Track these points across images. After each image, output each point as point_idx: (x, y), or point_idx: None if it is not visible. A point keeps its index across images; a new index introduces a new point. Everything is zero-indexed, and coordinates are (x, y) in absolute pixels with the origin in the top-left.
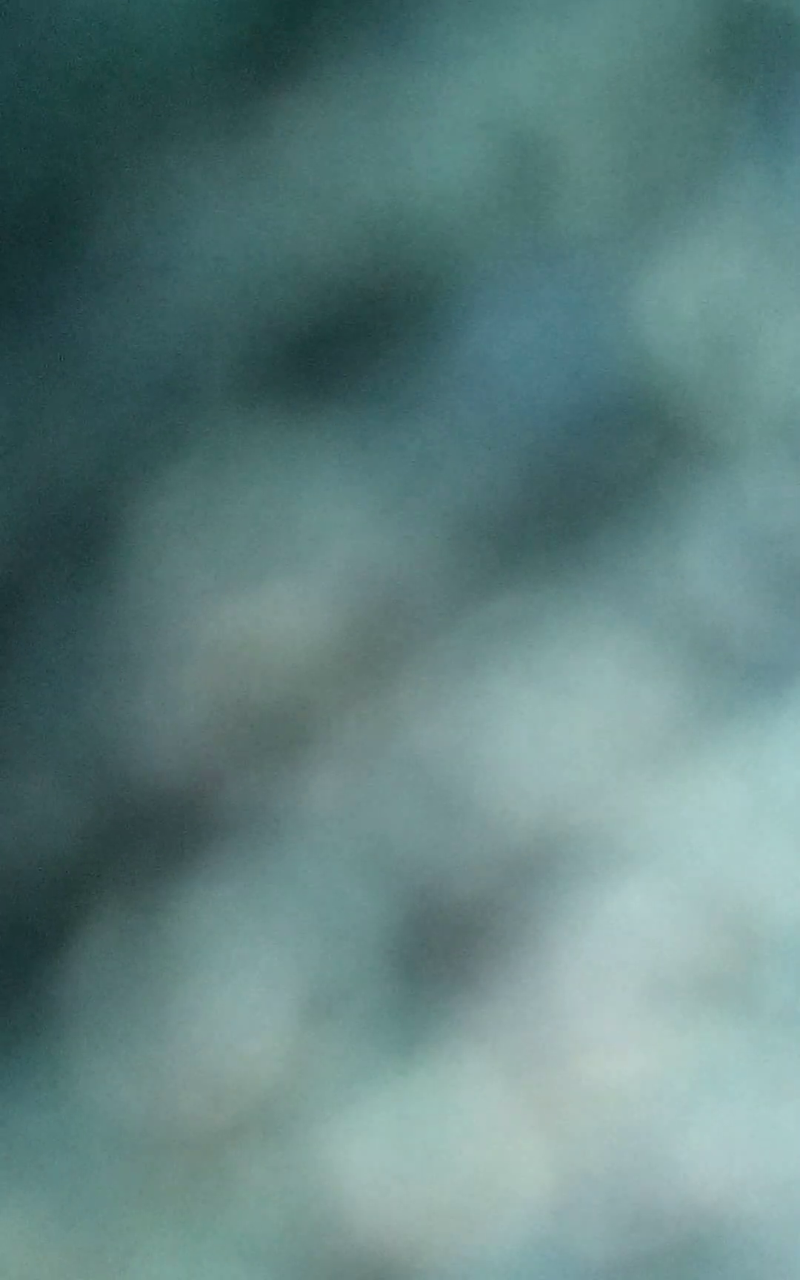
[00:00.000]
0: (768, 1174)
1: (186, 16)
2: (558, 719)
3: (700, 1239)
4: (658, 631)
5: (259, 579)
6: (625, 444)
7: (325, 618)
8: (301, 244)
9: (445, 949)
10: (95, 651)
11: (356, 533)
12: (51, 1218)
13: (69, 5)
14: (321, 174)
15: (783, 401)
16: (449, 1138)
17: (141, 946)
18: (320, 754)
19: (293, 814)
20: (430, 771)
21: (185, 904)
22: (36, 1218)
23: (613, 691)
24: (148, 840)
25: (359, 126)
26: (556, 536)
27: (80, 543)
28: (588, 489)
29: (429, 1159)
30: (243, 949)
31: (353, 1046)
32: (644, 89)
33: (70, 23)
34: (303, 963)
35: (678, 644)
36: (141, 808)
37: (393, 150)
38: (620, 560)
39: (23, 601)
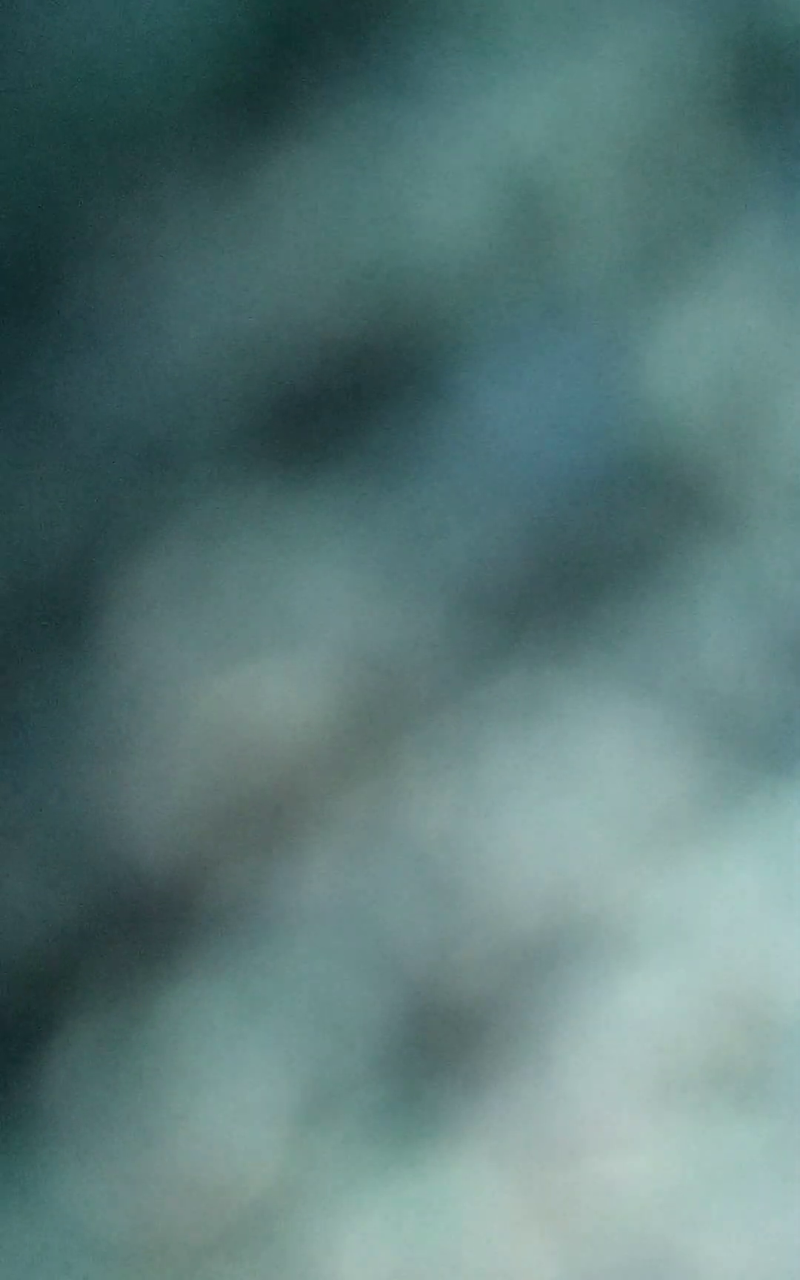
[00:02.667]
0: (781, 1272)
1: (173, 60)
2: (564, 802)
3: None
4: (669, 708)
5: (250, 655)
6: (634, 510)
7: (319, 696)
8: (294, 300)
9: (447, 1045)
10: (78, 731)
11: (352, 606)
12: None
13: (51, 50)
14: (315, 226)
15: (798, 464)
16: (452, 1242)
17: (126, 1047)
18: (315, 841)
19: (286, 905)
20: (430, 859)
21: (172, 1001)
22: None
23: (622, 772)
24: (133, 933)
25: (355, 175)
26: (562, 609)
27: (61, 617)
28: (595, 558)
29: (432, 1265)
30: (234, 1049)
31: (350, 1149)
32: (656, 136)
33: (52, 68)
34: (297, 1062)
35: (690, 721)
36: (126, 898)
37: (390, 200)
38: (629, 634)
39: (1, 678)
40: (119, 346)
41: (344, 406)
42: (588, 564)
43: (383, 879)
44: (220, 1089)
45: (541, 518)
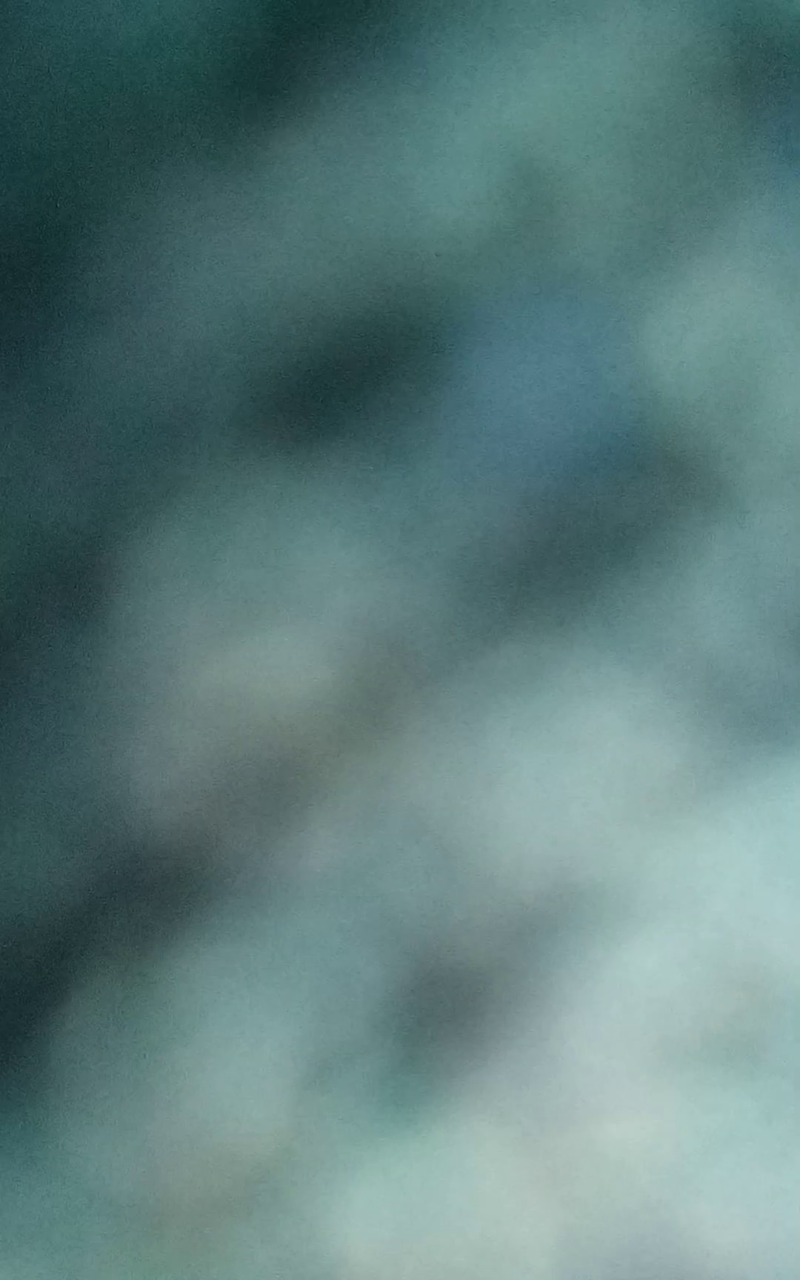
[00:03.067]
0: (778, 1238)
1: (180, 43)
2: (564, 772)
3: None
4: (667, 681)
5: (256, 628)
6: (633, 486)
7: (324, 668)
8: (300, 279)
9: (449, 1011)
10: (87, 703)
11: (357, 580)
12: None
13: (59, 34)
14: (320, 206)
15: (796, 442)
16: (453, 1205)
17: (135, 1011)
18: (319, 810)
19: (291, 872)
20: (433, 828)
21: (179, 967)
22: None
23: (621, 743)
24: (141, 900)
25: (359, 156)
26: (563, 583)
27: (72, 591)
28: (595, 533)
29: (433, 1227)
30: (240, 1013)
31: (354, 1113)
32: (655, 117)
33: (60, 51)
34: (302, 1027)
35: (688, 694)
36: (135, 866)
37: (394, 180)
38: (628, 608)
39: (12, 651)
40: (127, 324)
41: (349, 383)
42: (588, 538)
43: (386, 847)
44: (226, 1053)
45: (542, 493)
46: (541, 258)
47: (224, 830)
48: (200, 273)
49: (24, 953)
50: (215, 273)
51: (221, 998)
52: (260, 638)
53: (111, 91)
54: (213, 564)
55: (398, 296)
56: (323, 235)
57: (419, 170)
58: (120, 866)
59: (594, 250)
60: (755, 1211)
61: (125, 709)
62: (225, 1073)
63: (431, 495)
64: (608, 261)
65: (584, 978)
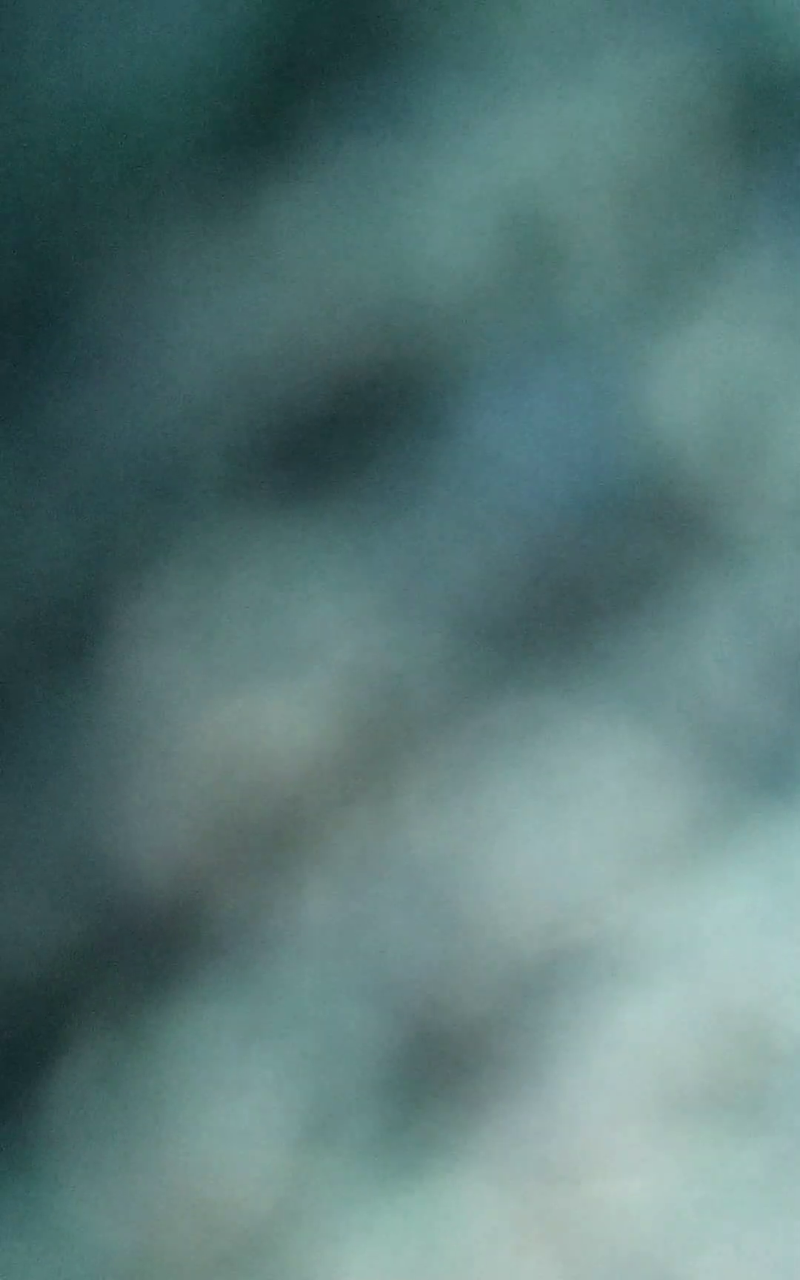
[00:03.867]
0: None
1: (176, 95)
2: (564, 826)
3: None
4: (668, 734)
5: (252, 682)
6: (634, 538)
7: (321, 722)
8: (296, 330)
9: (447, 1068)
10: (81, 758)
11: (354, 633)
12: None
13: (54, 85)
14: (316, 257)
15: (797, 492)
16: (452, 1264)
17: (129, 1068)
18: (316, 865)
19: (287, 928)
20: (431, 883)
21: (174, 1024)
22: None
23: (621, 797)
24: (135, 956)
25: (356, 207)
26: (563, 635)
27: (64, 644)
28: (595, 585)
29: None
30: (235, 1071)
31: (351, 1171)
32: (656, 168)
33: (55, 100)
34: (298, 1084)
35: (689, 746)
36: (129, 922)
37: (391, 232)
38: (629, 660)
39: (5, 705)
40: (123, 379)
41: (346, 436)
42: (587, 591)
43: (383, 903)
44: (222, 1110)
45: (541, 545)
46: (541, 309)
47: (219, 886)
48: (196, 325)
49: (17, 1009)
50: (211, 325)
51: (217, 1055)
52: (256, 691)
53: (108, 143)
54: (208, 617)
55: (395, 348)
56: (319, 287)
57: (417, 222)
58: (114, 923)
59: (594, 301)
60: (758, 1268)
61: (119, 763)
62: (221, 1130)
63: (430, 548)
64: (608, 312)
65: (584, 1033)
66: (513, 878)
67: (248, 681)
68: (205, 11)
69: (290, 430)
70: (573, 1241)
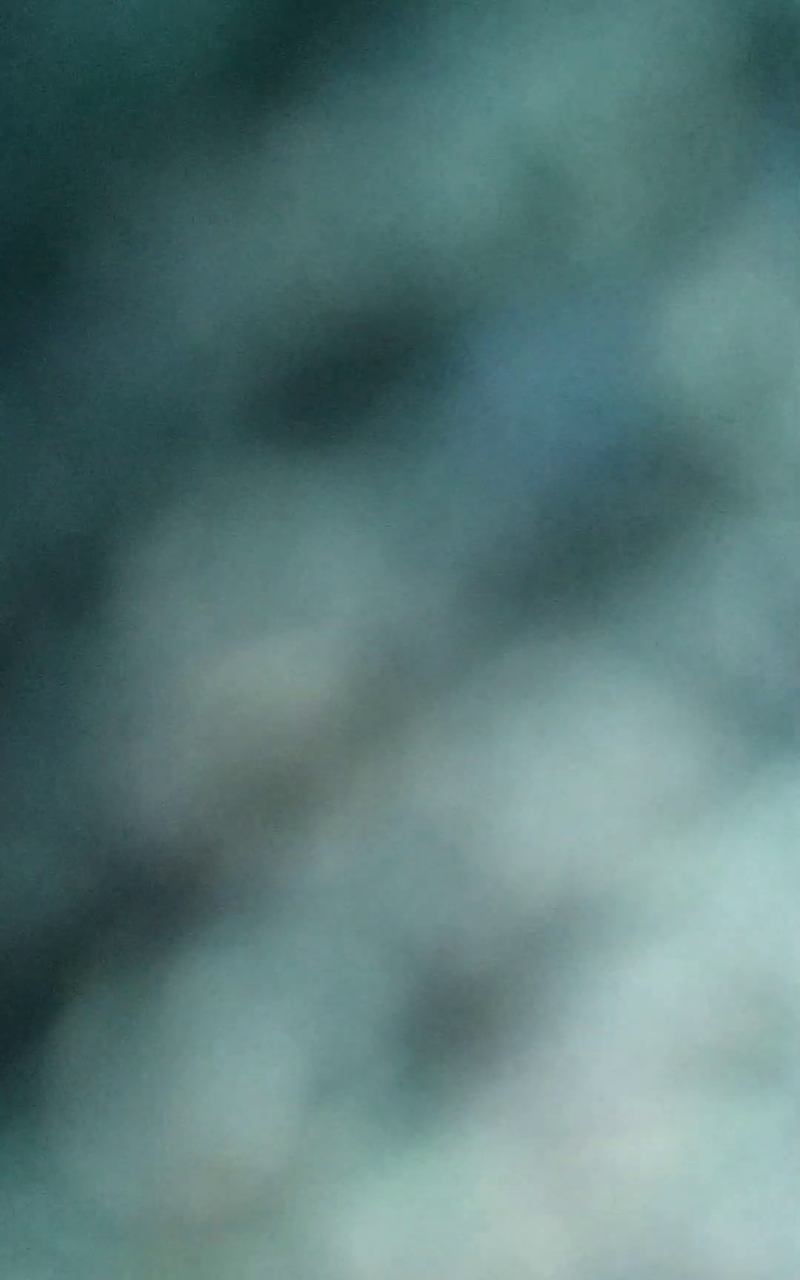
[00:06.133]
0: (795, 1255)
1: (182, 34)
2: (575, 780)
3: None
4: (680, 687)
5: (260, 632)
6: (647, 488)
7: (329, 673)
8: (304, 275)
9: (457, 1025)
10: (88, 709)
11: (363, 583)
12: None
13: (59, 26)
14: (325, 200)
15: None
16: (461, 1223)
17: (136, 1024)
18: (324, 819)
19: (295, 883)
20: (440, 837)
21: (182, 978)
22: None
23: (632, 751)
24: (142, 910)
25: (365, 149)
26: (574, 587)
27: (71, 593)
28: (606, 535)
29: (440, 1246)
30: (243, 1026)
31: (360, 1128)
32: (669, 110)
33: (59, 43)
34: (307, 1041)
35: (701, 700)
36: (136, 876)
37: (401, 174)
38: (641, 612)
39: (11, 655)
40: (129, 321)
41: (355, 382)
42: (599, 540)
43: (392, 856)
44: (230, 1067)
45: (553, 494)
46: (553, 253)
47: (227, 840)
48: (203, 268)
49: (23, 964)
50: (218, 268)
51: (225, 1011)
52: (264, 642)
53: (113, 84)
54: (215, 567)
55: (406, 293)
56: (329, 230)
57: (428, 163)
58: (121, 876)
59: (607, 245)
60: (771, 1228)
61: (126, 715)
62: (229, 1087)
63: (440, 497)
64: (621, 257)
65: (595, 991)
66: (523, 832)
67: (255, 632)
68: None
69: (298, 376)
70: (582, 1200)
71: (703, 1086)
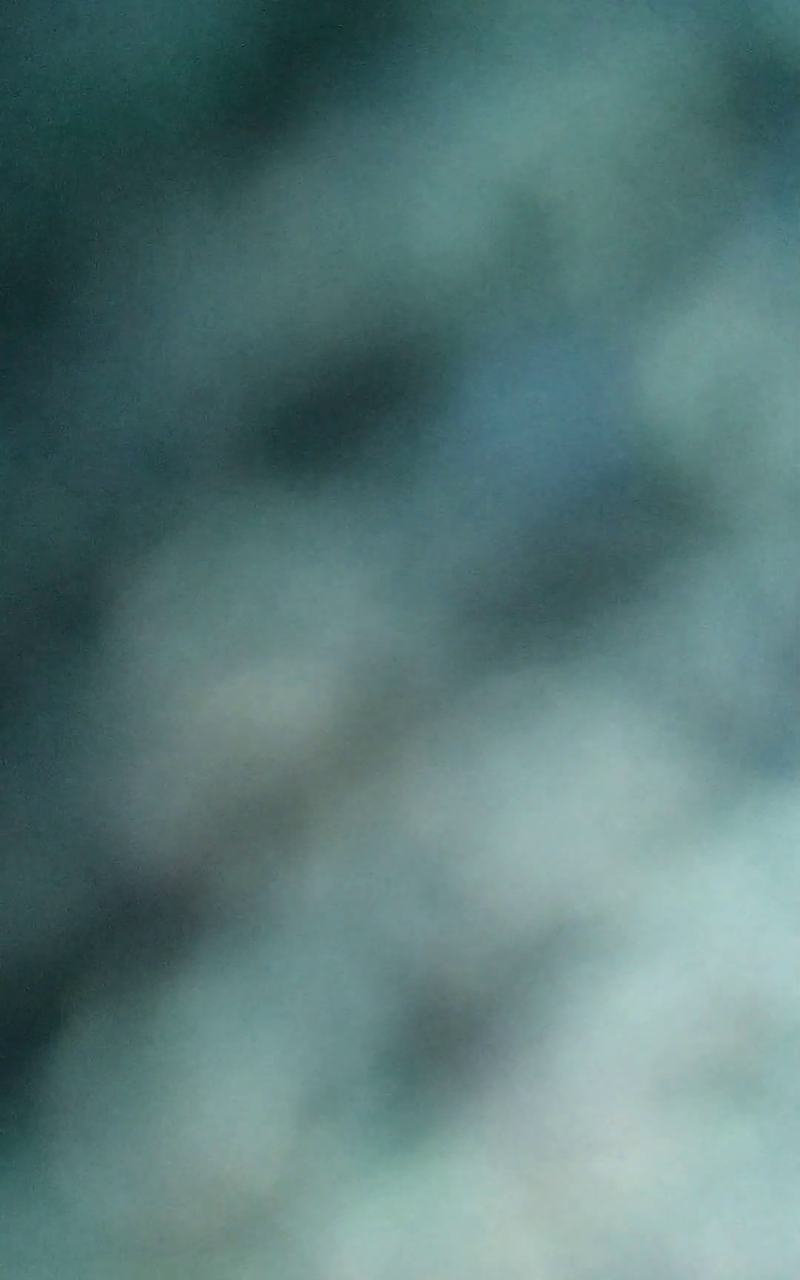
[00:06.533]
0: (777, 1272)
1: (176, 75)
2: (562, 803)
3: None
4: (666, 712)
5: (253, 659)
6: (631, 518)
7: (322, 698)
8: (296, 311)
9: (446, 1044)
10: (84, 734)
11: (354, 610)
12: None
13: (56, 65)
14: (315, 237)
15: (795, 474)
16: (451, 1239)
17: (131, 1043)
18: (317, 842)
19: (288, 904)
20: (430, 859)
21: (177, 999)
22: None
23: (619, 774)
24: (138, 932)
25: (354, 188)
26: (561, 614)
27: (68, 622)
28: (593, 564)
29: (430, 1261)
30: (236, 1046)
31: (351, 1146)
32: (651, 149)
33: (58, 83)
34: (299, 1060)
35: (686, 725)
36: (131, 898)
37: (389, 213)
38: (627, 638)
39: (9, 682)
40: (124, 357)
41: (346, 416)
42: (585, 570)
43: (384, 879)
44: (223, 1086)
45: (539, 525)
46: (538, 290)
47: (221, 863)
48: (197, 304)
49: (19, 985)
50: (212, 304)
51: (218, 1031)
52: (257, 669)
53: (109, 123)
54: (209, 595)
55: (395, 329)
56: (319, 267)
57: (415, 202)
58: (116, 899)
59: (591, 282)
60: (754, 1245)
61: (121, 740)
62: (222, 1106)
63: (429, 526)
64: (605, 293)
65: (582, 1010)
66: (511, 855)
67: (249, 659)
68: None
69: (289, 410)
70: (569, 1217)
71: (687, 1104)
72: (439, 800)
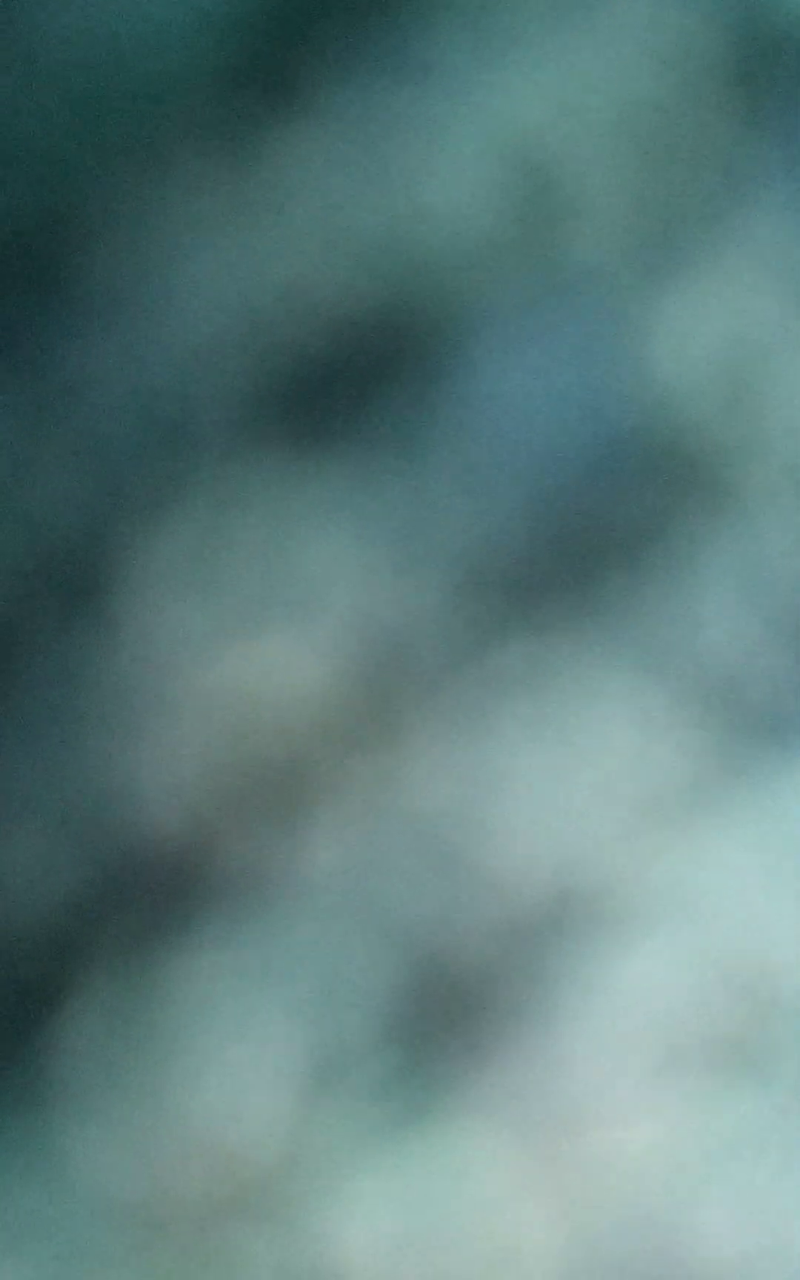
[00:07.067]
0: (784, 1245)
1: (181, 41)
2: (568, 775)
3: None
4: (672, 683)
5: (258, 629)
6: (638, 488)
7: (326, 669)
8: (301, 278)
9: (451, 1015)
10: (88, 704)
11: (359, 580)
12: None
13: (60, 30)
14: (322, 205)
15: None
16: (456, 1211)
17: (135, 1014)
18: (321, 812)
19: (292, 875)
20: (435, 831)
21: (181, 969)
22: None
23: (625, 746)
24: (141, 902)
25: (361, 155)
26: (567, 584)
27: (72, 591)
28: (599, 535)
29: (435, 1233)
30: (241, 1016)
31: (356, 1117)
32: (660, 115)
33: (61, 48)
34: (303, 1031)
35: (693, 696)
36: (135, 868)
37: (396, 179)
38: (633, 609)
39: (12, 651)
40: (128, 323)
41: (352, 383)
42: (592, 539)
43: (388, 850)
44: (228, 1056)
45: (546, 493)
46: (546, 256)
47: (225, 833)
48: (202, 271)
49: (23, 955)
50: (217, 271)
51: (223, 1001)
52: (262, 638)
53: (113, 88)
54: (214, 564)
55: (401, 295)
56: (325, 233)
57: (422, 168)
58: (120, 869)
59: (599, 249)
60: (760, 1218)
61: (126, 710)
62: (227, 1077)
63: (435, 496)
64: (612, 260)
65: (588, 983)
66: (517, 826)
67: (254, 629)
68: None
69: (297, 377)
70: (575, 1188)
71: (693, 1076)
72: (444, 771)
